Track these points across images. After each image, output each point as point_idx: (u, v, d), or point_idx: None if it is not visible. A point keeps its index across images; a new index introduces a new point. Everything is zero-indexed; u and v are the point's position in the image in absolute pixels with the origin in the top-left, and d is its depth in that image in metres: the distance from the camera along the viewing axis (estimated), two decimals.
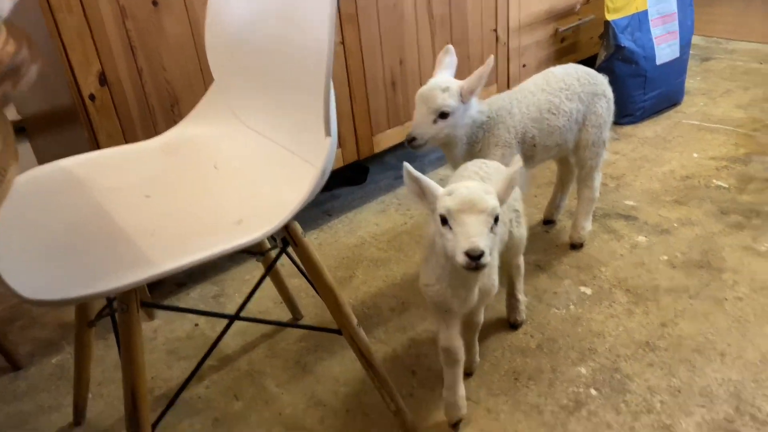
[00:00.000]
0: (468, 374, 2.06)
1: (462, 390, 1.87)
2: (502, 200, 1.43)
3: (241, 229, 1.41)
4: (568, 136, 2.41)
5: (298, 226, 1.58)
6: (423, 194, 1.47)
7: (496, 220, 1.39)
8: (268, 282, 2.48)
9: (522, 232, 2.01)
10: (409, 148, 2.18)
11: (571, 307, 2.36)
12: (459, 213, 1.35)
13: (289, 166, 1.63)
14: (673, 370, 2.05)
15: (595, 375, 2.05)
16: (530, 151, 2.36)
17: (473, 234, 1.32)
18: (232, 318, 1.54)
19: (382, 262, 2.78)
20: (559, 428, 1.86)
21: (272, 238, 1.99)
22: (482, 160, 1.92)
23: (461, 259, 1.33)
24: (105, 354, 2.34)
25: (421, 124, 2.14)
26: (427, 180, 1.45)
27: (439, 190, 1.47)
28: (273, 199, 1.51)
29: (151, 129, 2.30)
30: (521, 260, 2.20)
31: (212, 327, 2.45)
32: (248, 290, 2.66)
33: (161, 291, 2.68)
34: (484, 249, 1.30)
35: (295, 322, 2.45)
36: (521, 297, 2.26)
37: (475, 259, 1.31)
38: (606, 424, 1.88)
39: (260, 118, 1.80)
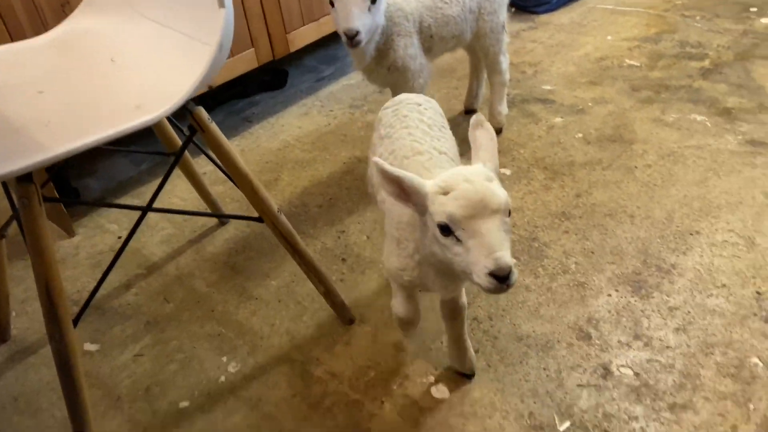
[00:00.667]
0: (469, 376, 1.73)
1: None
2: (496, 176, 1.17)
3: (139, 112, 1.35)
4: (464, 27, 2.39)
5: (203, 111, 1.53)
6: (405, 195, 1.15)
7: (509, 214, 1.09)
8: (193, 194, 2.44)
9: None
10: (348, 46, 2.02)
11: None
12: (470, 220, 1.05)
13: (189, 51, 1.55)
14: (586, 235, 2.17)
15: (514, 246, 2.14)
16: (428, 42, 2.32)
17: (496, 246, 1.03)
18: (145, 209, 1.50)
19: (307, 162, 2.76)
20: (481, 295, 1.96)
21: (181, 131, 1.93)
22: (415, 99, 1.64)
23: (485, 281, 1.03)
24: (25, 274, 2.28)
25: (357, 14, 1.92)
26: (410, 177, 1.13)
27: (427, 186, 1.13)
28: (172, 83, 1.45)
29: (42, 30, 2.14)
30: None
31: (136, 238, 2.40)
32: (170, 199, 2.61)
33: (80, 210, 2.59)
34: (512, 264, 1.02)
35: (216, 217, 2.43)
36: None
37: (504, 280, 1.02)
38: (525, 287, 1.98)
39: (154, 4, 1.70)
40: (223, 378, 1.81)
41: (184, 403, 1.75)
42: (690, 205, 2.25)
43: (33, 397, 1.80)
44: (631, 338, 1.79)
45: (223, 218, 2.44)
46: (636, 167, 2.48)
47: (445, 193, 1.09)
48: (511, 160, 2.60)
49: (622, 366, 1.71)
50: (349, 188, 2.56)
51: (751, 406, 1.57)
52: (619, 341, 1.78)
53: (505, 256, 1.02)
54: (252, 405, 1.72)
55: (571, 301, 1.92)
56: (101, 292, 2.16)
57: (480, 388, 1.70)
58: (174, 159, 1.55)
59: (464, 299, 1.58)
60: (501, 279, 1.02)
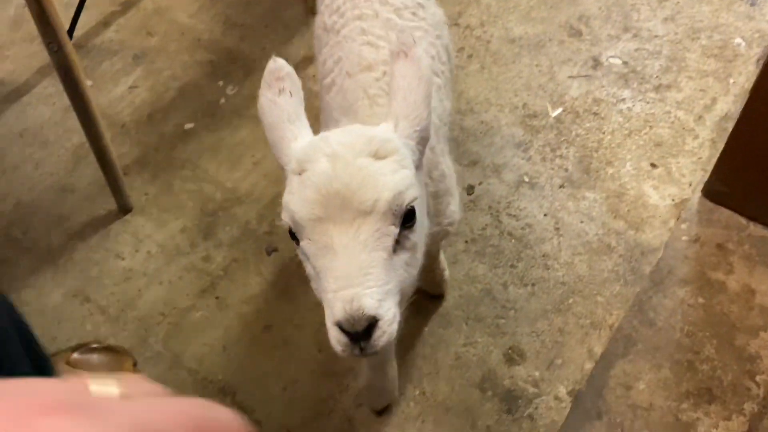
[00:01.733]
0: (439, 297, 1.45)
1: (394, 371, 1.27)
2: (421, 136, 0.77)
3: None
4: None
5: None
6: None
7: (410, 216, 0.71)
8: None
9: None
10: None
11: None
12: (317, 225, 0.69)
13: None
14: None
15: None
16: None
17: (352, 278, 0.65)
18: None
19: None
20: (473, 4, 1.93)
21: None
22: None
23: (331, 334, 0.68)
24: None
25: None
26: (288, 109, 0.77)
27: (294, 147, 0.76)
28: None
29: None
30: None
31: None
32: None
33: None
34: (376, 312, 0.65)
35: None
36: None
37: (355, 338, 0.65)
38: None
39: None
40: (223, 100, 1.84)
41: (189, 125, 1.79)
42: None
43: (38, 131, 1.83)
44: (620, 31, 1.82)
45: None
46: None
47: (301, 172, 0.72)
48: None
49: (612, 56, 1.77)
50: None
51: (731, 80, 1.66)
52: (609, 35, 1.82)
53: (364, 298, 0.63)
54: (257, 121, 1.75)
55: (562, 1, 1.91)
56: (79, 31, 2.08)
57: (475, 87, 1.76)
58: None
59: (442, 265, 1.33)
60: (351, 336, 0.64)
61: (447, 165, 1.06)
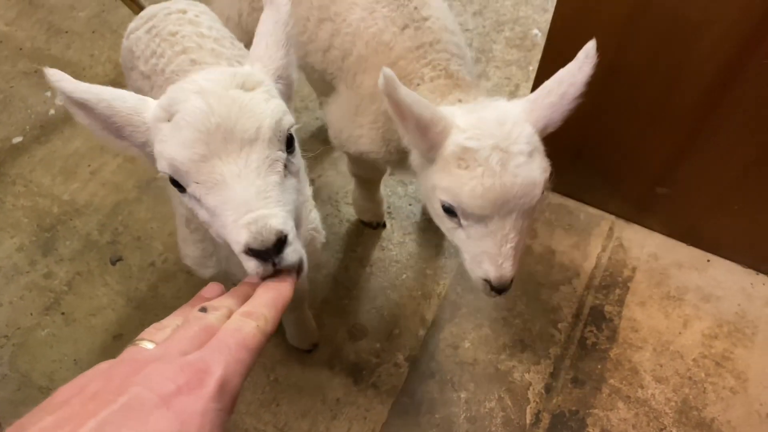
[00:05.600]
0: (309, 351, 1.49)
1: None
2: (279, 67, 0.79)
3: None
4: None
5: None
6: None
7: (291, 142, 0.71)
8: None
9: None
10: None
11: None
12: (201, 164, 0.66)
13: None
14: None
15: None
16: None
17: (252, 202, 0.64)
18: None
19: None
20: None
21: None
22: (176, 6, 1.13)
23: (246, 265, 0.63)
24: None
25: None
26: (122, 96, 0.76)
27: (146, 104, 0.74)
28: None
29: None
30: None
31: None
32: None
33: None
34: (280, 225, 0.63)
35: None
36: None
37: (266, 255, 0.62)
38: None
39: None
40: (52, 111, 1.80)
41: (18, 138, 1.74)
42: None
43: None
44: None
45: None
46: None
47: (169, 118, 0.69)
48: None
49: None
50: None
51: (531, 68, 1.89)
52: None
53: (268, 218, 0.63)
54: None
55: None
56: None
57: (306, 85, 1.85)
58: None
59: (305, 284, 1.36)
60: (263, 256, 0.62)
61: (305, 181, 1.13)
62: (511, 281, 0.95)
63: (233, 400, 0.39)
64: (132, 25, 1.11)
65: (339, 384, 1.42)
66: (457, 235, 0.99)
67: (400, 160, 1.16)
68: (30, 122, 1.77)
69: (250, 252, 0.62)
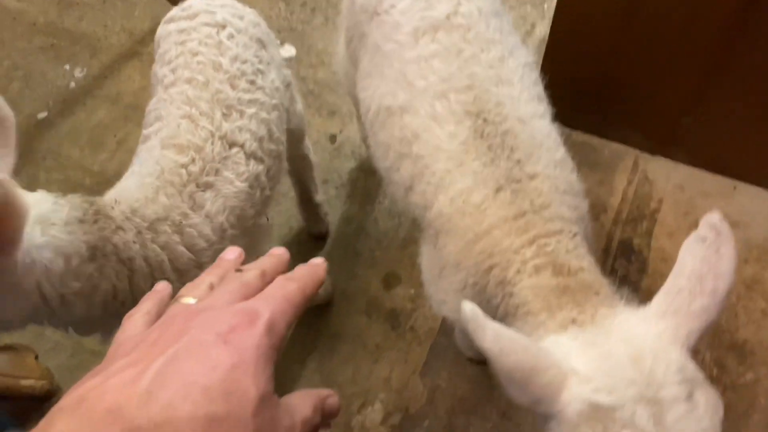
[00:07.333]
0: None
1: None
2: None
3: None
4: None
5: None
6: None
7: None
8: None
9: (298, 107, 1.26)
10: None
11: None
12: None
13: None
14: None
15: None
16: None
17: None
18: None
19: None
20: None
21: None
22: (220, 13, 1.05)
23: None
24: None
25: None
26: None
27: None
28: None
29: None
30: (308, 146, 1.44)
31: None
32: None
33: None
34: None
35: None
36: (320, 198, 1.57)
37: None
38: None
39: None
40: (73, 84, 1.82)
41: (42, 114, 1.77)
42: None
43: None
44: None
45: None
46: None
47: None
48: None
49: None
50: None
51: (545, 6, 1.86)
52: None
53: None
54: (112, 100, 1.77)
55: None
56: None
57: (323, 40, 1.85)
58: None
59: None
60: None
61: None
62: None
63: (281, 341, 0.43)
64: (172, 13, 1.03)
65: (377, 331, 1.47)
66: None
67: None
68: (52, 97, 1.79)
69: None
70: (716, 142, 1.54)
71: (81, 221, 0.76)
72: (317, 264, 0.50)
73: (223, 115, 0.94)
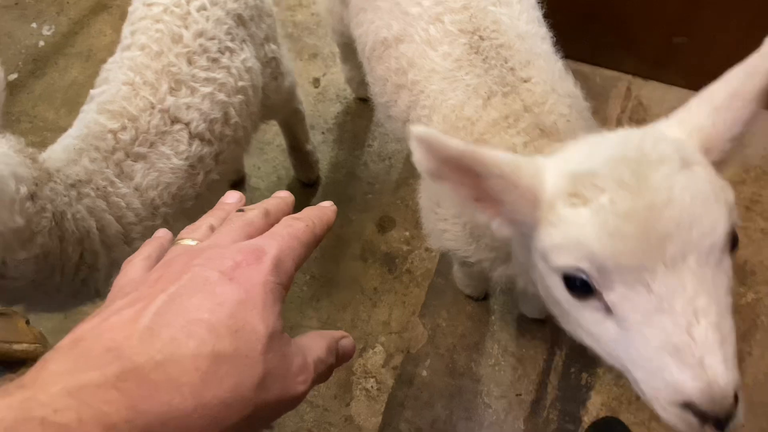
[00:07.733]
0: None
1: None
2: None
3: None
4: None
5: None
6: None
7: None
8: None
9: (287, 80, 1.23)
10: None
11: None
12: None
13: None
14: None
15: None
16: None
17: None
18: None
19: None
20: None
21: None
22: None
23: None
24: None
25: None
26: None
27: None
28: None
29: None
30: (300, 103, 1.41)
31: None
32: None
33: None
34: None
35: None
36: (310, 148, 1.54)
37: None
38: None
39: None
40: (42, 42, 1.74)
41: (13, 75, 1.70)
42: None
43: None
44: None
45: None
46: None
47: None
48: None
49: None
50: None
51: None
52: None
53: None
54: (85, 57, 1.71)
55: None
56: None
57: None
58: None
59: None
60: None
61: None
62: (736, 398, 0.51)
63: (289, 280, 0.40)
64: None
65: (374, 274, 1.45)
66: (605, 334, 0.56)
67: (505, 260, 0.89)
68: (21, 57, 1.72)
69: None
70: (710, 61, 1.49)
71: (24, 156, 0.76)
72: (326, 206, 0.47)
73: (171, 89, 0.91)
